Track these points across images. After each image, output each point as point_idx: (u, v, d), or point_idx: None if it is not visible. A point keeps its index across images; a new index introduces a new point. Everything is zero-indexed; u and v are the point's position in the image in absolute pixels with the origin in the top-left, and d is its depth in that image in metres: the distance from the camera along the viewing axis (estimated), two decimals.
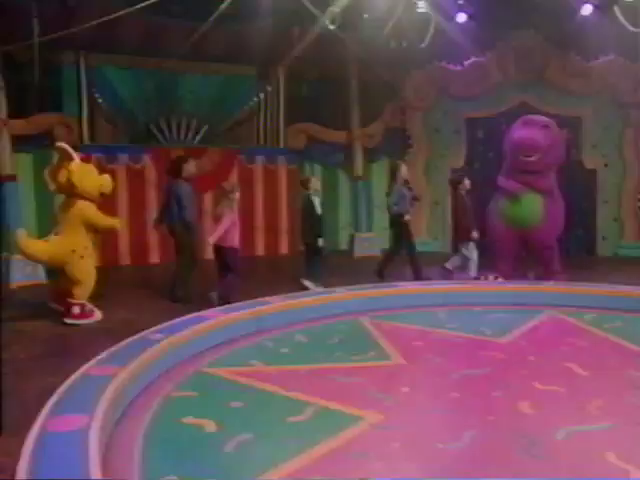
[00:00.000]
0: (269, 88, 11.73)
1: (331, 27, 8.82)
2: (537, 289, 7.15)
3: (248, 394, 4.20)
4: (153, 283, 8.53)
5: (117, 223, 6.52)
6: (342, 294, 6.81)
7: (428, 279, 8.21)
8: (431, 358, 5.02)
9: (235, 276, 6.78)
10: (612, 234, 11.09)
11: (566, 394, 4.16)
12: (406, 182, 8.56)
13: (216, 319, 5.53)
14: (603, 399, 4.04)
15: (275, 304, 6.21)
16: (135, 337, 4.81)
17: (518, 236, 7.87)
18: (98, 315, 6.29)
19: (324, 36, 9.21)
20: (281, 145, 11.87)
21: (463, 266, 8.32)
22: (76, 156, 6.17)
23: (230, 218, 6.61)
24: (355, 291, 6.95)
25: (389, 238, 8.98)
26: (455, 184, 8.58)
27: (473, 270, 8.21)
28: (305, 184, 7.97)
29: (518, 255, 8.15)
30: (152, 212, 10.15)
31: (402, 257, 8.50)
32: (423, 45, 9.62)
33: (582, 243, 11.13)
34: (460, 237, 8.36)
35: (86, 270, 6.16)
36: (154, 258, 10.69)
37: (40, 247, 6.07)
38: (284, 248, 11.88)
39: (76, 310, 6.11)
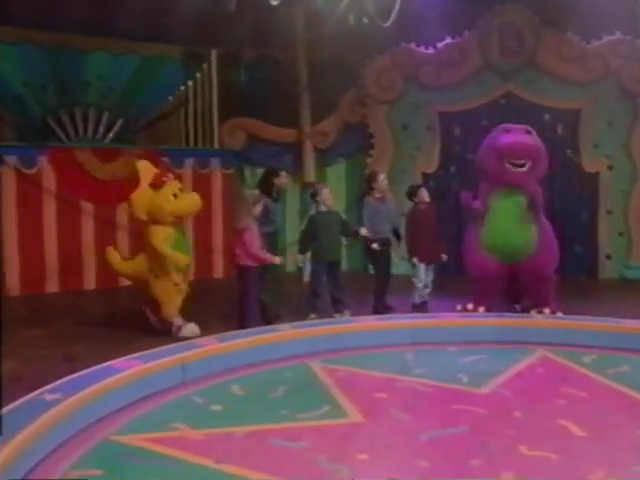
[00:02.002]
0: (199, 74, 11.71)
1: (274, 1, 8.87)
2: (525, 323, 7.28)
3: (168, 469, 4.12)
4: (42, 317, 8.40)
5: (178, 257, 7.36)
6: (287, 332, 6.81)
7: (389, 310, 8.30)
8: (396, 414, 5.04)
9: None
10: (618, 252, 11.33)
11: (559, 462, 4.19)
12: (380, 198, 8.59)
13: (131, 370, 5.44)
14: (605, 469, 4.05)
15: (205, 347, 6.16)
16: (22, 400, 4.67)
17: (508, 269, 7.94)
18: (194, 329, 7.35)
19: (267, 10, 9.27)
20: (215, 145, 11.91)
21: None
22: (146, 176, 7.37)
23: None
24: (303, 328, 6.97)
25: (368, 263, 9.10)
26: (409, 196, 8.75)
27: (416, 296, 8.49)
28: (314, 195, 8.24)
29: (503, 288, 8.27)
30: (52, 230, 9.97)
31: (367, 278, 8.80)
32: (388, 23, 9.76)
33: (580, 263, 11.39)
34: (410, 255, 8.65)
35: (162, 290, 7.38)
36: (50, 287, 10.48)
37: (125, 265, 7.77)
38: (218, 271, 11.84)
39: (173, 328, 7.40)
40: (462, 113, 11.63)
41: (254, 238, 7.45)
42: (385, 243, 8.45)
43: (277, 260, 7.71)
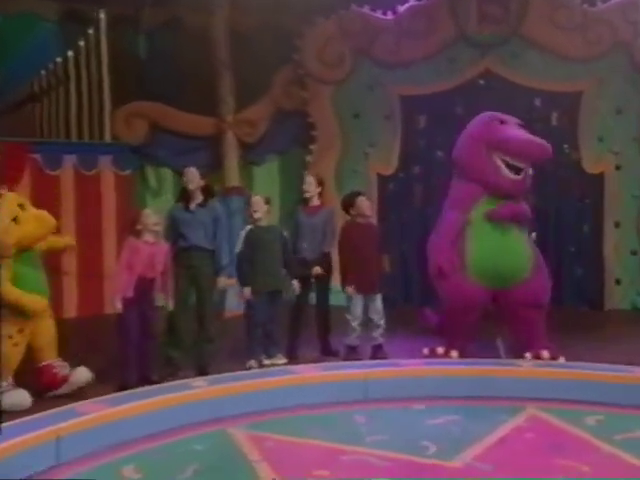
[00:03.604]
0: (82, 43, 11.56)
1: None
2: (511, 373, 7.32)
3: None
4: None
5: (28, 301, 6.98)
6: (200, 389, 6.75)
7: (332, 354, 8.39)
8: None
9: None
10: (629, 275, 11.57)
11: None
12: (313, 208, 8.73)
13: None
14: None
15: (89, 414, 6.01)
16: None
17: (492, 296, 8.04)
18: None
19: None
20: (106, 138, 11.82)
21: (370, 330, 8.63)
22: None
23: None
24: (222, 383, 6.89)
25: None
26: (345, 206, 8.77)
27: (352, 337, 8.48)
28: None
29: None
30: None
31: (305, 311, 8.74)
32: None
33: (581, 290, 11.64)
34: (342, 282, 8.62)
35: None
36: None
37: None
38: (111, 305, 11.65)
39: None
40: (429, 97, 11.81)
41: (136, 259, 7.38)
42: (306, 265, 8.53)
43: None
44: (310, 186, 8.71)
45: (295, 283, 8.24)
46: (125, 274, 7.36)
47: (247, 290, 8.17)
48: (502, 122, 8.01)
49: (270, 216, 8.43)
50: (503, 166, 7.76)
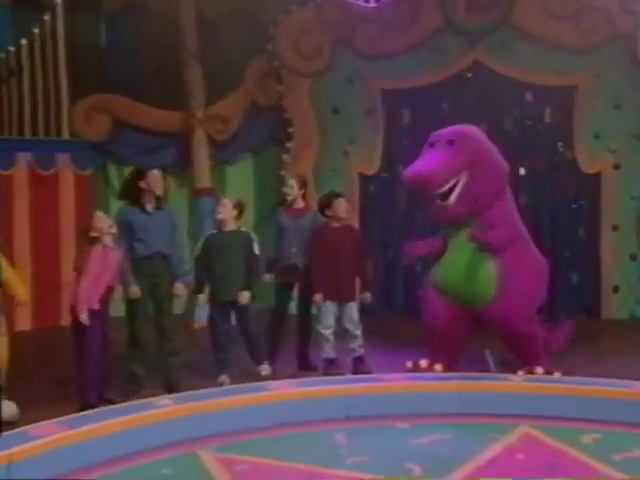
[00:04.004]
0: (37, 30, 11.47)
1: None
2: (502, 388, 7.28)
3: None
4: None
5: None
6: (167, 408, 6.66)
7: (310, 369, 8.41)
8: None
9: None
10: (628, 282, 11.55)
11: None
12: (297, 211, 8.76)
13: None
14: None
15: (43, 438, 5.90)
16: None
17: (468, 317, 8.03)
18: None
19: None
20: (64, 135, 11.74)
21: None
22: None
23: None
24: (190, 402, 6.83)
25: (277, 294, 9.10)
26: (322, 207, 8.74)
27: (326, 348, 8.45)
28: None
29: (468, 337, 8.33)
30: None
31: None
32: None
33: (577, 298, 11.63)
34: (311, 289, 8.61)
35: None
36: None
37: None
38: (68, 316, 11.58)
39: None
40: (414, 91, 11.79)
41: (106, 268, 7.37)
42: (291, 272, 8.56)
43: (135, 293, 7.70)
44: (292, 189, 8.71)
45: (245, 294, 8.14)
46: (92, 284, 7.29)
47: (201, 298, 8.24)
48: (430, 145, 8.06)
49: (240, 221, 8.35)
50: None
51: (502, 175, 8.01)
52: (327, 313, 8.44)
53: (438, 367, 8.01)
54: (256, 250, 8.27)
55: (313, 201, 9.22)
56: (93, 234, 7.36)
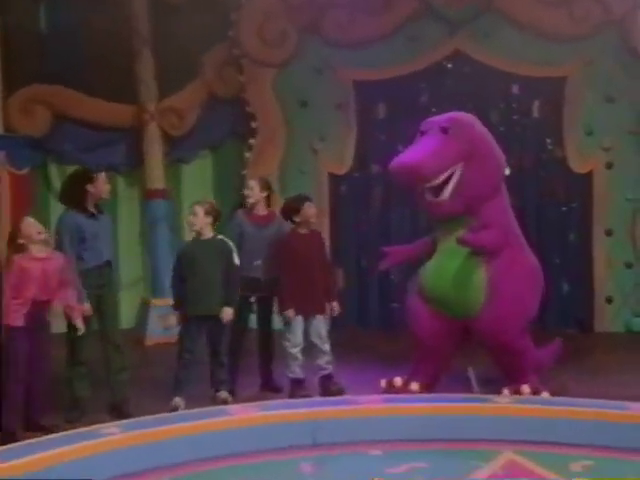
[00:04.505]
0: None
1: None
2: (485, 410, 7.24)
3: None
4: None
5: None
6: (113, 437, 6.52)
7: (274, 390, 8.47)
8: None
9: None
10: (622, 292, 11.61)
11: None
12: (262, 217, 8.80)
13: None
14: None
15: None
16: None
17: (457, 328, 7.99)
18: None
19: None
20: None
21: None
22: None
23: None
24: (139, 429, 6.72)
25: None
26: (289, 213, 8.72)
27: (294, 367, 8.46)
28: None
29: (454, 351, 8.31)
30: None
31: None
32: None
33: (568, 309, 11.71)
34: (280, 304, 8.64)
35: None
36: None
37: None
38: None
39: None
40: (389, 83, 11.80)
41: (27, 281, 7.25)
42: (253, 287, 8.57)
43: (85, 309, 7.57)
44: (252, 191, 8.69)
45: (227, 310, 8.11)
46: (13, 300, 7.18)
47: (172, 319, 8.31)
48: (422, 133, 7.97)
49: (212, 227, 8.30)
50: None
51: (500, 167, 7.95)
52: (296, 329, 8.44)
53: (414, 386, 7.94)
54: (236, 260, 8.23)
55: (278, 204, 9.27)
56: (20, 241, 7.26)
